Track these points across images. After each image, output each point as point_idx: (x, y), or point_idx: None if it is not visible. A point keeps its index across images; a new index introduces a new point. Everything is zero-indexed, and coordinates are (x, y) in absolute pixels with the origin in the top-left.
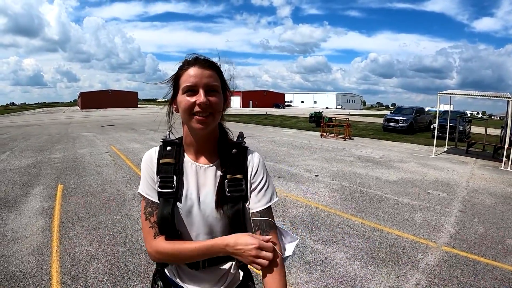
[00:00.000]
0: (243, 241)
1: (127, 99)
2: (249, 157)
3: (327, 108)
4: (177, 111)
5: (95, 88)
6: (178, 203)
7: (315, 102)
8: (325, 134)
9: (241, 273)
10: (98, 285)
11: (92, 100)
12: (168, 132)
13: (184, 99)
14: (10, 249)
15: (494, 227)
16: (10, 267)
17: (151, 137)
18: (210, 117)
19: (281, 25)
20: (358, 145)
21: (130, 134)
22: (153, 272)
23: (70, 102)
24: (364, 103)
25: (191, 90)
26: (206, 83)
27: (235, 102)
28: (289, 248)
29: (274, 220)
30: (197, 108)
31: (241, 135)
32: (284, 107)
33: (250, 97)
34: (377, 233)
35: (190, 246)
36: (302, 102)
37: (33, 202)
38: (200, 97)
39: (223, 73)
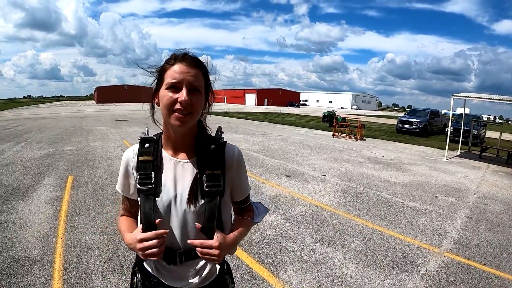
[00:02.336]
0: (127, 241)
1: (142, 94)
2: (227, 152)
3: (342, 108)
4: (158, 104)
5: (111, 83)
6: (157, 198)
7: (330, 102)
8: (337, 134)
9: (218, 267)
10: (97, 272)
11: (108, 94)
12: (147, 129)
13: (166, 94)
14: (18, 235)
15: (501, 235)
16: (17, 251)
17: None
18: (189, 116)
19: (298, 23)
20: (370, 146)
21: (143, 128)
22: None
23: (87, 96)
24: (380, 104)
25: (174, 87)
26: (190, 82)
27: (250, 100)
28: (260, 217)
29: (249, 201)
30: (178, 106)
31: (219, 130)
32: (299, 106)
33: (265, 95)
34: (378, 236)
35: (122, 233)
36: (317, 101)
37: (43, 192)
38: (182, 95)
39: (209, 73)
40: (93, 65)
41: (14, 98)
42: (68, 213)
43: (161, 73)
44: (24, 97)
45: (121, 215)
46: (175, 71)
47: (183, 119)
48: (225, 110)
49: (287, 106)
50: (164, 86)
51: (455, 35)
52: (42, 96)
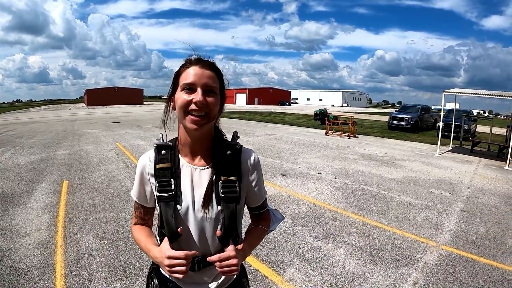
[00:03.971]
0: (154, 254)
1: (133, 96)
2: (243, 158)
3: (332, 105)
4: (174, 109)
5: (101, 85)
6: (178, 205)
7: (321, 100)
8: (329, 132)
9: None
10: (100, 279)
11: (98, 97)
12: (161, 135)
13: (181, 96)
14: (16, 243)
15: (496, 227)
16: (16, 260)
17: (156, 134)
18: (205, 118)
19: (287, 21)
20: (363, 143)
21: (135, 131)
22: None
23: (76, 99)
24: (370, 101)
25: (190, 88)
26: (205, 83)
27: (241, 99)
28: (275, 225)
29: (267, 206)
30: (193, 107)
31: (235, 135)
32: (289, 105)
33: (256, 95)
34: (377, 231)
35: (142, 244)
36: (308, 99)
37: (38, 198)
38: (198, 95)
39: (223, 77)
40: (82, 67)
41: (3, 102)
42: (66, 219)
43: (176, 77)
44: (13, 101)
45: (134, 224)
46: (190, 73)
47: (198, 121)
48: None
49: (278, 105)
50: (179, 89)
51: (445, 31)
52: (31, 100)
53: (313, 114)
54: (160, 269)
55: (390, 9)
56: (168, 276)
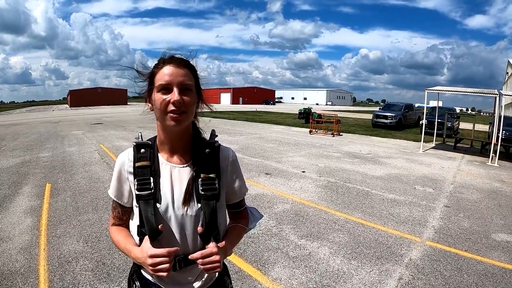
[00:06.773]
0: (135, 255)
1: (116, 96)
2: (221, 155)
3: (317, 104)
4: (152, 109)
5: (84, 86)
6: (157, 204)
7: (305, 99)
8: (313, 130)
9: None
10: (84, 282)
11: (81, 98)
12: (140, 133)
13: (159, 97)
14: None
15: (479, 222)
16: None
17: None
18: (183, 115)
19: (272, 20)
20: (347, 141)
21: (119, 132)
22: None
23: (59, 100)
24: (354, 99)
25: (165, 89)
26: (180, 82)
27: (226, 99)
28: (254, 223)
29: (245, 205)
30: (171, 107)
31: (213, 133)
32: (274, 104)
33: (240, 94)
34: (361, 229)
35: (122, 245)
36: (293, 98)
37: (21, 202)
38: (174, 95)
39: (198, 73)
40: (64, 68)
41: None
42: (49, 222)
43: (151, 78)
44: None
45: (112, 224)
46: (165, 73)
47: (177, 119)
48: (200, 110)
49: (263, 104)
50: (155, 90)
51: (429, 30)
52: (14, 101)
53: (297, 113)
54: (142, 270)
55: (375, 8)
56: (150, 278)
